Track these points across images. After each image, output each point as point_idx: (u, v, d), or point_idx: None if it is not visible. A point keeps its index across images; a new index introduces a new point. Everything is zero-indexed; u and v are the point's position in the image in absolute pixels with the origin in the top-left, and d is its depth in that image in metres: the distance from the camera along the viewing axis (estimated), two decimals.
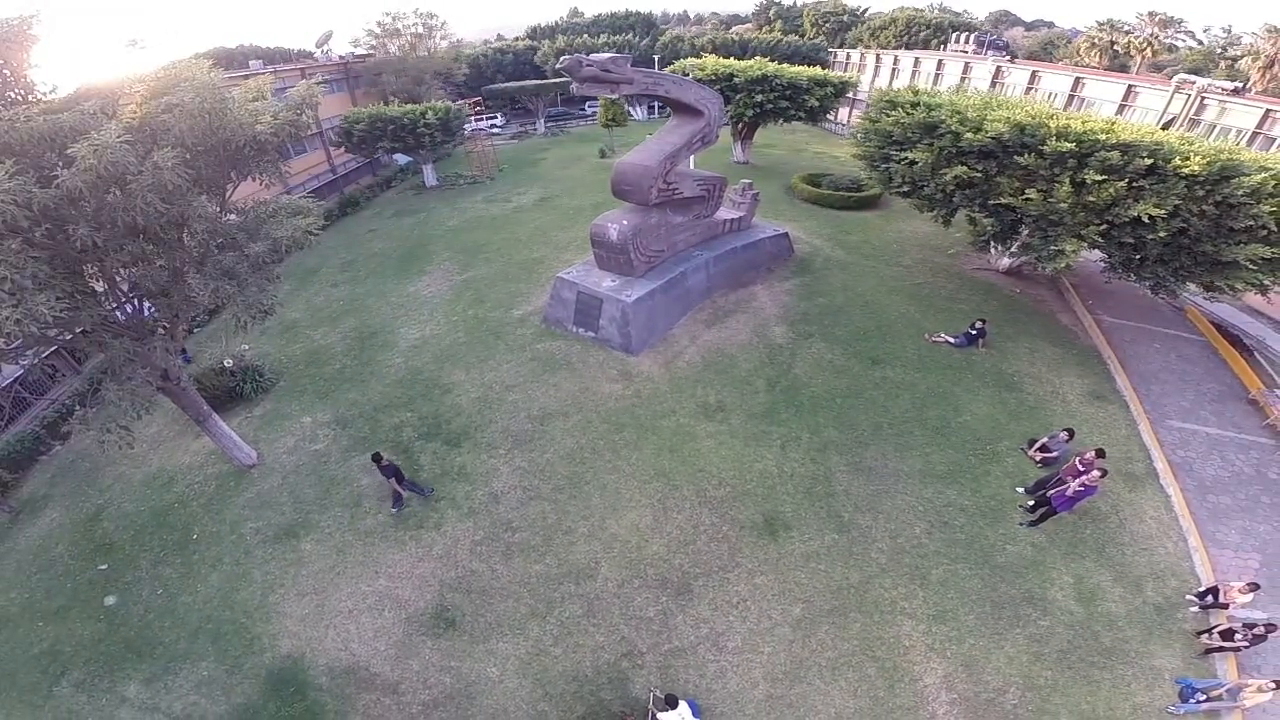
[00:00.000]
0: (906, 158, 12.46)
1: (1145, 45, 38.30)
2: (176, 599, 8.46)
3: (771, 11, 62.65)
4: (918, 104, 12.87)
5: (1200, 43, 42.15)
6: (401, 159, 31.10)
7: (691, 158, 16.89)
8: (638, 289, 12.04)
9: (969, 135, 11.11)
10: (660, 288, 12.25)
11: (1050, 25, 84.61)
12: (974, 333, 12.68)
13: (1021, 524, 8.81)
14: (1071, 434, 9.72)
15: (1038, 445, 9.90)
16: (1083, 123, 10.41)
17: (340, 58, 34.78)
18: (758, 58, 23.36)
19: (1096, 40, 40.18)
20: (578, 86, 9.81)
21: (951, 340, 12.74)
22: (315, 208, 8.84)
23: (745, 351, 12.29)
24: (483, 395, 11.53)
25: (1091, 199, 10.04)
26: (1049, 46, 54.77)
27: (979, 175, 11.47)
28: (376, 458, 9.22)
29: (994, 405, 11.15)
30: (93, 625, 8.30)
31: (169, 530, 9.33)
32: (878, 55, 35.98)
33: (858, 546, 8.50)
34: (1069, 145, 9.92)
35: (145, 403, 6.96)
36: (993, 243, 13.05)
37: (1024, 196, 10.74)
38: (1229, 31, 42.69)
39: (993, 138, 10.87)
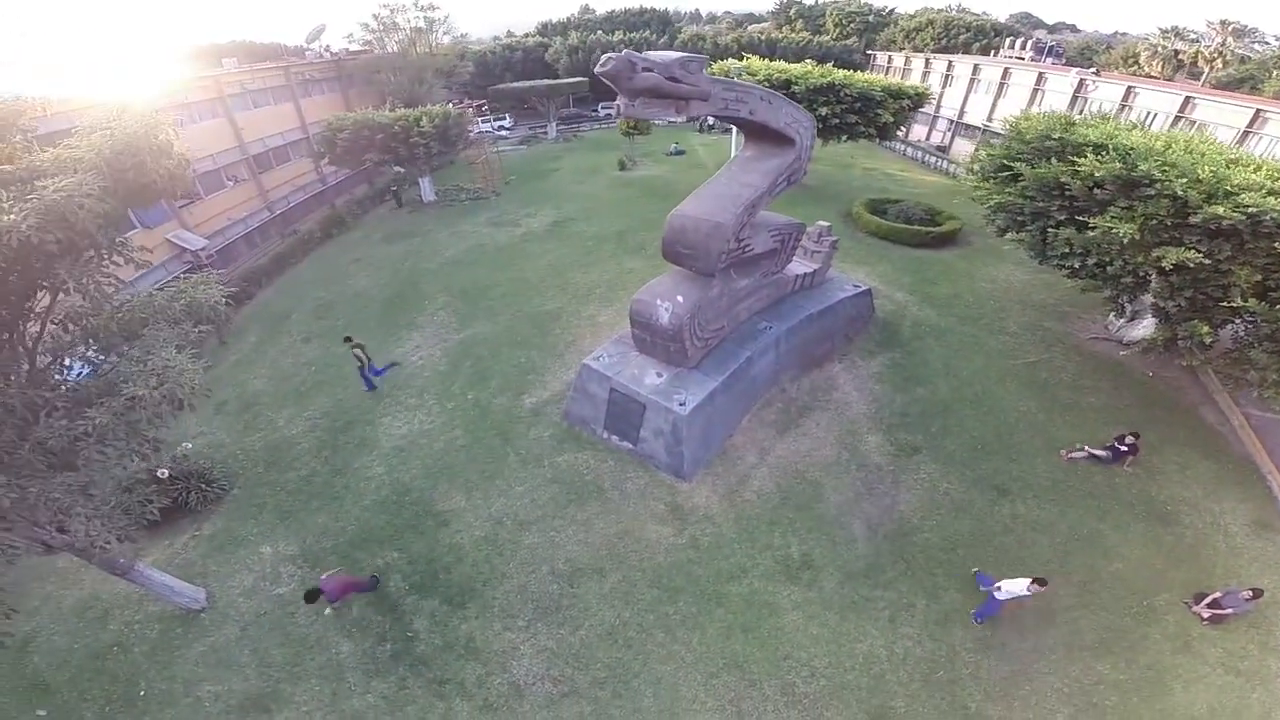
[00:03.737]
0: (1101, 225, 8.91)
1: (1215, 55, 34.93)
2: None
3: (792, 10, 59.27)
4: (1105, 146, 9.33)
5: (1251, 55, 38.78)
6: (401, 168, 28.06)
7: None
8: (693, 391, 9.05)
9: (1211, 208, 7.75)
10: (721, 386, 9.26)
11: (1073, 28, 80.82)
12: (1123, 449, 9.82)
13: None
14: (1258, 595, 7.51)
15: (1208, 600, 7.86)
16: None
17: (333, 54, 31.62)
18: (808, 62, 20.16)
19: (1159, 49, 36.80)
20: (626, 105, 6.36)
21: (1097, 454, 9.85)
22: (213, 301, 5.89)
23: (832, 475, 9.33)
24: (490, 534, 8.68)
25: None
26: (1086, 52, 51.46)
27: (1206, 262, 8.22)
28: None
29: (1147, 546, 8.83)
30: None
31: (110, 679, 7.78)
32: (927, 60, 32.71)
33: None
34: None
35: None
36: (1194, 349, 9.44)
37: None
38: None
39: (1247, 213, 7.58)
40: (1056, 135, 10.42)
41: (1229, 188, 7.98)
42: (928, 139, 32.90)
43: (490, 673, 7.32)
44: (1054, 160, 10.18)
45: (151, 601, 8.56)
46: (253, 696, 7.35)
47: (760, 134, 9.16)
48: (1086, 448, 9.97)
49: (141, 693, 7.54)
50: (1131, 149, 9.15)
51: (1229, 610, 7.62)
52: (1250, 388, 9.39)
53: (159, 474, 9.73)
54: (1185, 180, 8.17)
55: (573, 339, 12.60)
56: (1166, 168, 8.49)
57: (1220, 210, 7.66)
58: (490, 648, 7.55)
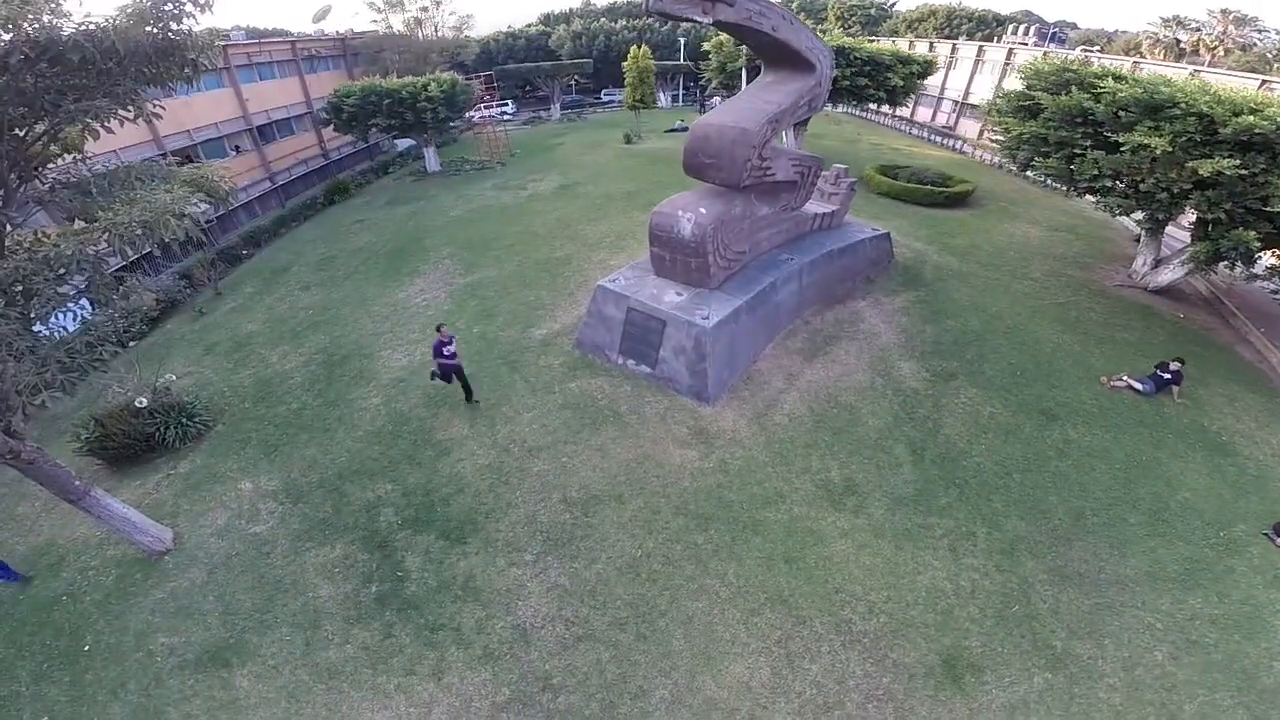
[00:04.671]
0: (1132, 141, 9.04)
1: (1217, 44, 35.04)
2: None
3: (794, 4, 59.79)
4: (1122, 77, 9.66)
5: (1252, 44, 38.98)
6: (402, 144, 27.80)
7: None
8: (716, 307, 8.53)
9: (1242, 119, 7.88)
10: (745, 305, 8.74)
11: (1073, 27, 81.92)
12: (1167, 377, 9.38)
13: None
14: None
15: None
16: None
17: (338, 33, 31.49)
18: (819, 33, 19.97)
19: (1161, 38, 36.93)
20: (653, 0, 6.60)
21: (1138, 386, 9.38)
22: (217, 179, 5.44)
23: (868, 400, 8.78)
24: (495, 462, 8.04)
25: None
26: (1088, 46, 51.89)
27: (1243, 173, 8.25)
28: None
29: (1211, 476, 8.31)
30: None
31: (54, 633, 7.00)
32: (931, 45, 32.66)
33: (1080, 686, 5.96)
34: None
35: None
36: (1239, 264, 9.76)
37: None
38: None
39: (1278, 122, 7.72)
40: (1074, 68, 10.50)
41: (1254, 104, 8.04)
42: (933, 120, 32.79)
43: (491, 615, 6.44)
44: (1074, 90, 10.13)
45: (112, 545, 7.74)
46: (212, 649, 6.52)
47: (779, 59, 8.97)
48: (1126, 378, 9.50)
49: (86, 647, 6.74)
50: (1150, 81, 9.25)
51: None
52: None
53: (137, 403, 9.14)
54: (1209, 98, 8.25)
55: (583, 280, 12.09)
56: (1187, 92, 8.58)
57: (1251, 120, 7.70)
58: (492, 586, 6.68)
